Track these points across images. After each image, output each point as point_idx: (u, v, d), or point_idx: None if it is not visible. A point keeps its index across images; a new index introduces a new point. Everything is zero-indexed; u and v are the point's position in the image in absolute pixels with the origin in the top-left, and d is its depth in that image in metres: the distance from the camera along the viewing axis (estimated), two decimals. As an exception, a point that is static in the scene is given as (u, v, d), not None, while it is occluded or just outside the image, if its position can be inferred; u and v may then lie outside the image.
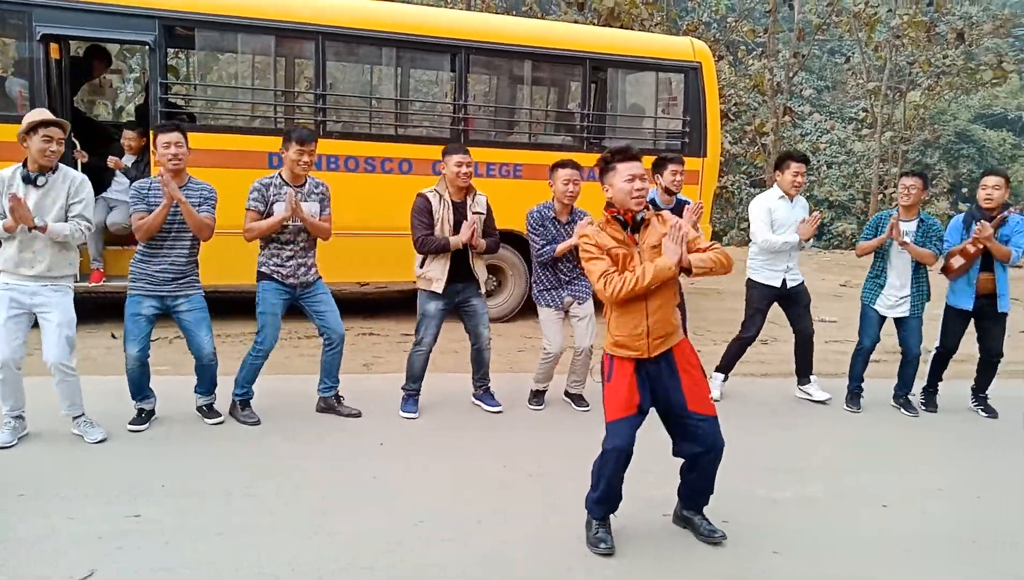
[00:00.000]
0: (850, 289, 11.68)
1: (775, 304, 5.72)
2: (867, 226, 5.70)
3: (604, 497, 3.44)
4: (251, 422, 4.80)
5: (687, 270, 3.29)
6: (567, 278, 5.25)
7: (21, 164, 4.14)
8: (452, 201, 4.94)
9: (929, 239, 5.42)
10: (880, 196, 20.35)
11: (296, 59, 8.44)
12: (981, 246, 5.31)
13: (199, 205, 4.54)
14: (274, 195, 4.67)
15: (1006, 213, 5.39)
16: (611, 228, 3.38)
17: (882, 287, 5.57)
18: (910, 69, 20.59)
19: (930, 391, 5.82)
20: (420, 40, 7.70)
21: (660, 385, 3.38)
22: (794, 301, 5.70)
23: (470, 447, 4.65)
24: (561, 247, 5.07)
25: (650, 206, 3.44)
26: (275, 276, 4.77)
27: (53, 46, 6.63)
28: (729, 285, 10.89)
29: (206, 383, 4.84)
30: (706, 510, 3.66)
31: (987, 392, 5.79)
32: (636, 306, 3.32)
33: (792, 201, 5.58)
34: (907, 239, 5.37)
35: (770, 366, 6.76)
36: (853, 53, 23.50)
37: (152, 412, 4.77)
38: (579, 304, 5.28)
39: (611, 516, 3.53)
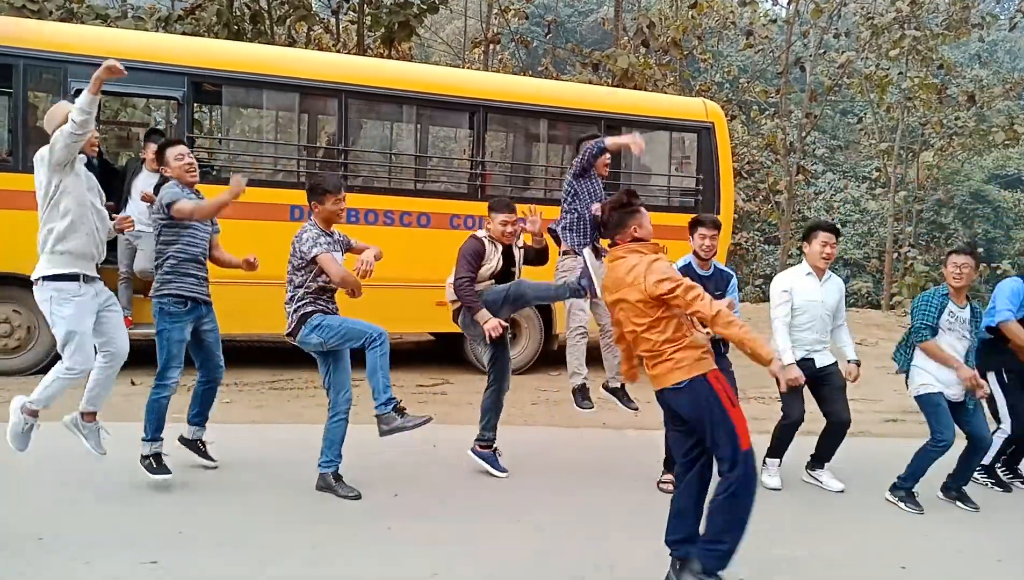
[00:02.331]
0: (866, 347, 11.60)
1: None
2: (922, 313, 4.95)
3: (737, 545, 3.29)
4: (351, 496, 4.46)
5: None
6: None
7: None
8: (502, 245, 5.00)
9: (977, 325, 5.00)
10: (895, 254, 20.36)
11: (319, 115, 8.67)
12: None
13: (211, 225, 4.68)
14: (335, 245, 4.60)
15: None
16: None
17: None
18: (922, 130, 20.80)
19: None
20: (439, 99, 7.90)
21: None
22: (823, 381, 5.14)
23: (486, 500, 4.63)
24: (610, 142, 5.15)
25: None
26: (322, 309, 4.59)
27: (86, 101, 6.84)
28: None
29: (206, 410, 4.82)
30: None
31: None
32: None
33: (821, 278, 5.15)
34: (960, 328, 4.91)
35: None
36: (865, 114, 23.80)
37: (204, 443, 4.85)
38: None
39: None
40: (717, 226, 5.03)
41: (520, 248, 5.13)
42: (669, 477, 4.73)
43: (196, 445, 4.85)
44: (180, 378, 4.55)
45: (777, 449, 5.24)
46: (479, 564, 3.76)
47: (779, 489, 5.13)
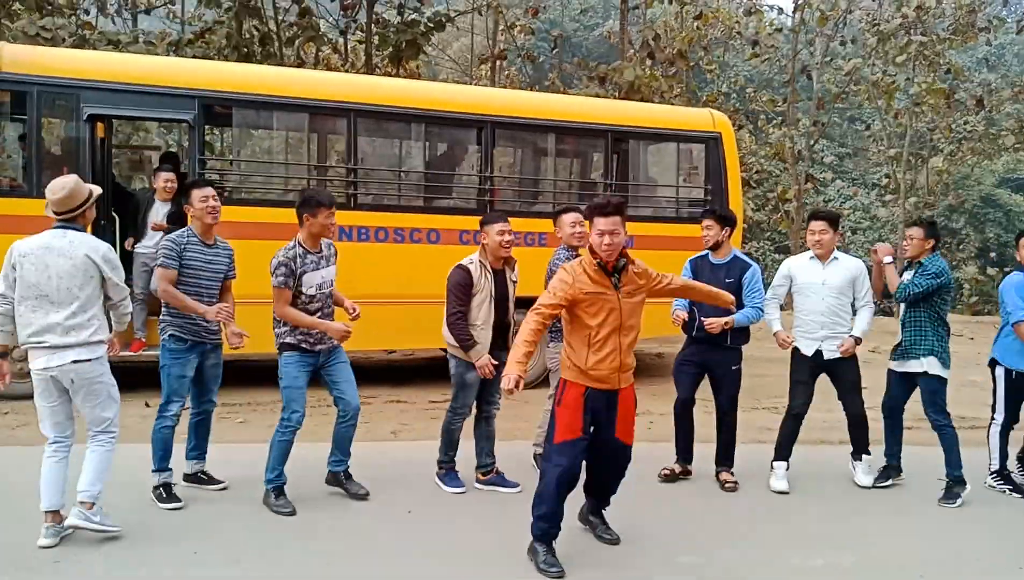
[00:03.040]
0: (878, 355, 11.52)
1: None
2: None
3: (550, 514, 3.77)
4: (285, 512, 4.48)
5: None
6: None
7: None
8: (493, 270, 4.88)
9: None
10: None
11: (329, 134, 8.74)
12: None
13: (227, 270, 4.73)
14: (301, 266, 4.53)
15: None
16: (591, 270, 3.76)
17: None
18: (931, 135, 20.73)
19: (1002, 474, 5.41)
20: (448, 115, 7.96)
21: (600, 414, 3.82)
22: (836, 376, 5.29)
23: (501, 515, 4.63)
24: None
25: (627, 256, 3.82)
26: (303, 345, 4.55)
27: (99, 125, 6.95)
28: (755, 351, 10.82)
29: (203, 443, 4.86)
30: (736, 575, 3.64)
31: None
32: (614, 343, 3.75)
33: (825, 262, 5.23)
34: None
35: (801, 433, 6.67)
36: (873, 120, 23.76)
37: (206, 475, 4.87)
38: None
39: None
40: (715, 216, 5.26)
41: (514, 281, 5.02)
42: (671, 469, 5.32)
43: (198, 477, 4.86)
44: (181, 411, 4.62)
45: (781, 448, 5.33)
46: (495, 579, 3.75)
47: (786, 492, 5.15)
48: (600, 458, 3.96)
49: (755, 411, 7.18)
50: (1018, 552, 4.35)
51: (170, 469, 4.60)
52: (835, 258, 5.26)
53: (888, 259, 5.29)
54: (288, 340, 4.55)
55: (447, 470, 5.03)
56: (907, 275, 5.25)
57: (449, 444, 5.04)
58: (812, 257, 5.28)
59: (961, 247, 24.41)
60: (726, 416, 5.31)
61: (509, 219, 4.94)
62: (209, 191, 4.64)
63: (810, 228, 5.27)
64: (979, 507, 5.13)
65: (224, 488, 4.83)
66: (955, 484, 5.14)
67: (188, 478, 4.83)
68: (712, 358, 5.24)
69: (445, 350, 5.06)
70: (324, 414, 6.83)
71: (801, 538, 4.41)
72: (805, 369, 5.27)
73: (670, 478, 5.31)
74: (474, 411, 5.10)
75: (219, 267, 4.68)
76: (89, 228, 4.25)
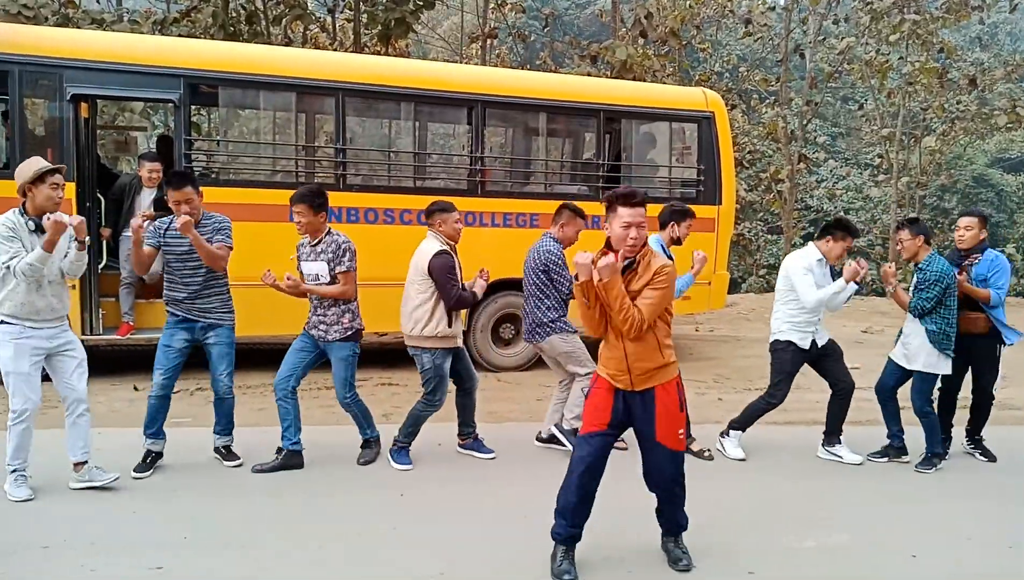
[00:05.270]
0: (872, 335, 11.59)
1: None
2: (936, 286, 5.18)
3: (568, 509, 3.59)
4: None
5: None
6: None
7: (20, 212, 4.18)
8: (453, 252, 5.08)
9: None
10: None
11: (316, 114, 8.63)
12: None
13: (212, 236, 4.72)
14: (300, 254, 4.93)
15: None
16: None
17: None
18: (924, 115, 20.68)
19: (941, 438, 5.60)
20: (437, 95, 7.86)
21: (636, 415, 3.58)
22: (825, 355, 5.42)
23: (493, 497, 4.61)
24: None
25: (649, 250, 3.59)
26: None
27: (82, 105, 6.83)
28: (748, 333, 10.84)
29: (222, 421, 4.95)
30: (731, 557, 3.63)
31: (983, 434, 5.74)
32: (617, 347, 3.54)
33: (826, 265, 5.39)
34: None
35: (792, 414, 6.68)
36: (866, 100, 23.69)
37: (159, 455, 4.83)
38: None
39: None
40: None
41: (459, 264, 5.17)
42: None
43: (219, 451, 5.01)
44: (162, 381, 4.73)
45: (745, 423, 5.48)
46: (486, 562, 3.74)
47: (744, 459, 5.38)
48: (648, 463, 3.69)
49: (747, 393, 7.17)
50: (1009, 532, 4.35)
51: (156, 438, 4.77)
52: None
53: (892, 284, 5.37)
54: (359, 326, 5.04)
55: (400, 448, 5.11)
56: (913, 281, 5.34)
57: (413, 430, 5.14)
58: (820, 259, 5.33)
59: (953, 228, 24.43)
60: None
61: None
62: (181, 194, 4.61)
63: (844, 244, 5.36)
64: (965, 483, 5.19)
65: (239, 465, 4.91)
66: (934, 456, 5.37)
67: (215, 451, 5.02)
68: None
69: (414, 348, 5.06)
70: (315, 397, 6.80)
71: (792, 521, 4.40)
72: (800, 362, 5.38)
73: None
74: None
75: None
76: (47, 206, 4.18)
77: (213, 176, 7.45)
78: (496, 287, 7.80)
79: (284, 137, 7.97)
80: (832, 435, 5.53)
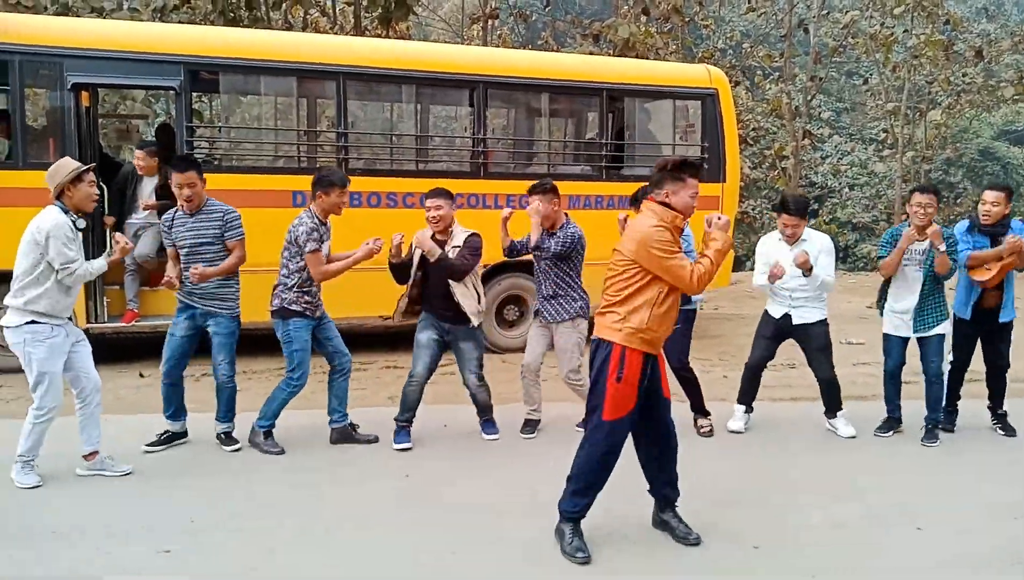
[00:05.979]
0: (876, 310, 11.53)
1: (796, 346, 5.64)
2: (882, 243, 5.52)
3: (586, 488, 3.62)
4: (275, 451, 4.91)
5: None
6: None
7: (62, 211, 4.20)
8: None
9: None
10: (904, 216, 20.16)
11: (318, 99, 8.60)
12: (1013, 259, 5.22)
13: (222, 234, 4.79)
14: (324, 234, 4.93)
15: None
16: (676, 231, 3.59)
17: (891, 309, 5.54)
18: (929, 88, 20.50)
19: (948, 410, 5.70)
20: (439, 76, 7.82)
21: (651, 377, 3.62)
22: (804, 341, 5.50)
23: (500, 478, 4.64)
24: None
25: None
26: (306, 312, 4.93)
27: (84, 94, 6.82)
28: (752, 310, 10.81)
29: (222, 409, 5.00)
30: (737, 533, 3.64)
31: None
32: (675, 304, 3.59)
33: (792, 244, 5.36)
34: (920, 258, 5.32)
35: (798, 390, 6.69)
36: (871, 74, 23.47)
37: (176, 435, 4.98)
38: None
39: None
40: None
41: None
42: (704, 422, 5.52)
43: (219, 437, 5.07)
44: (166, 370, 4.91)
45: (744, 395, 5.64)
46: (494, 543, 3.77)
47: (740, 432, 5.52)
48: (654, 421, 3.72)
49: (739, 370, 7.18)
50: (1016, 502, 4.36)
51: (173, 419, 4.97)
52: (805, 240, 5.39)
53: (941, 246, 5.20)
54: (295, 308, 4.88)
55: (399, 427, 5.16)
56: (918, 246, 5.31)
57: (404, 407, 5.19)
58: (780, 239, 5.45)
59: (959, 201, 24.28)
60: (683, 370, 5.51)
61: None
62: (184, 178, 4.70)
63: (781, 221, 5.38)
64: (970, 454, 5.22)
65: (238, 449, 4.98)
66: (935, 426, 5.46)
67: (216, 437, 5.08)
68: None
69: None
70: (320, 381, 6.83)
71: (797, 493, 4.42)
72: (770, 328, 5.56)
73: None
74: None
75: (205, 233, 4.82)
76: (86, 205, 4.30)
77: (216, 162, 7.44)
78: (500, 269, 7.81)
79: (286, 122, 7.94)
80: (829, 411, 5.63)
